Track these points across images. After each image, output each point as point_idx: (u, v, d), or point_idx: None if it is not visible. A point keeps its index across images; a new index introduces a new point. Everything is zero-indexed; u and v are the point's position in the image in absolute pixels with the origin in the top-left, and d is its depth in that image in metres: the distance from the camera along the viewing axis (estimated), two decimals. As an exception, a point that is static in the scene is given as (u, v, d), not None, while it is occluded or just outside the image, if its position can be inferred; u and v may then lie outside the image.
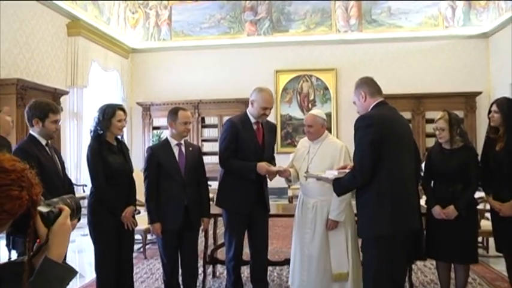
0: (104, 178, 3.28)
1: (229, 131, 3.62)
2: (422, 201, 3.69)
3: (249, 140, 3.60)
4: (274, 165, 3.70)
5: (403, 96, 10.34)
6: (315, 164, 3.55)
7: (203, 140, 10.77)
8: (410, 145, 2.84)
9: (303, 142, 3.74)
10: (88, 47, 9.07)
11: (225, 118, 9.24)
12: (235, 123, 3.64)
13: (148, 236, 5.72)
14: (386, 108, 2.84)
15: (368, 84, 2.89)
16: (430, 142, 9.71)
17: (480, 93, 10.51)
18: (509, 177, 3.31)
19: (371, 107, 2.83)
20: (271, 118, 10.31)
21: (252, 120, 3.66)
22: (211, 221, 4.62)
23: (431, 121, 9.20)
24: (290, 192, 7.76)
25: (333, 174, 2.94)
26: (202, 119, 10.96)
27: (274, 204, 5.68)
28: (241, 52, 11.13)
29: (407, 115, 10.43)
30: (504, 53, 10.05)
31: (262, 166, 3.50)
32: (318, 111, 3.75)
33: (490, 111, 3.48)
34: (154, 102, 10.97)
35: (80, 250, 5.98)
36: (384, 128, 2.67)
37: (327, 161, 3.49)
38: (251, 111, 3.65)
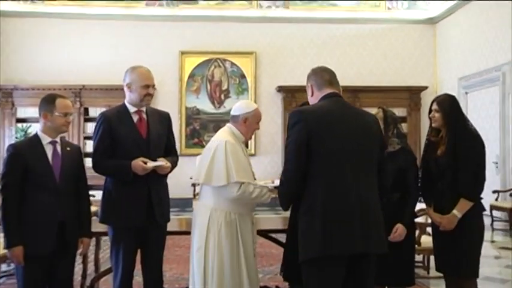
0: None
1: (100, 127, 3.63)
2: None
3: (128, 135, 3.61)
4: (176, 161, 3.77)
5: (337, 89, 10.75)
6: (255, 169, 3.79)
7: (86, 138, 10.55)
8: (368, 149, 2.86)
9: (235, 142, 3.66)
10: None
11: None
12: (108, 116, 3.65)
13: (3, 267, 5.45)
14: (332, 101, 2.91)
15: (316, 75, 3.00)
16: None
17: (426, 88, 11.27)
18: (450, 185, 3.59)
19: (318, 101, 2.95)
20: (174, 111, 10.30)
21: (131, 110, 3.68)
22: (93, 241, 4.53)
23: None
24: (195, 204, 7.74)
25: (277, 182, 3.15)
26: (86, 110, 10.73)
27: (176, 219, 5.68)
28: (137, 26, 11.01)
29: (340, 112, 10.87)
30: (453, 42, 10.84)
31: (137, 164, 3.50)
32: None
33: (430, 110, 3.74)
34: (19, 85, 10.52)
35: None
36: (315, 124, 2.75)
37: None
38: (130, 99, 3.69)
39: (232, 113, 3.73)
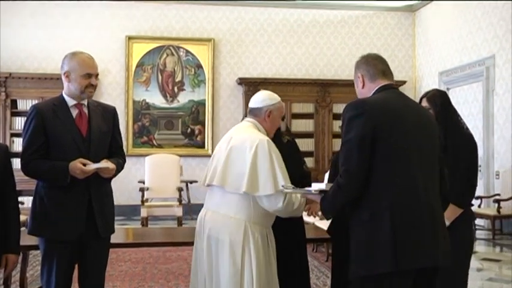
0: None
1: (32, 122, 3.52)
2: None
3: (65, 132, 3.52)
4: (122, 164, 3.71)
5: (304, 82, 10.83)
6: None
7: (13, 135, 10.37)
8: (431, 149, 2.90)
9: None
10: None
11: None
12: (42, 109, 3.55)
13: None
14: (391, 93, 2.95)
15: (368, 64, 3.02)
16: (339, 144, 10.31)
17: (404, 82, 11.44)
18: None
19: (371, 93, 2.96)
20: (120, 105, 10.20)
21: (70, 103, 3.61)
22: (20, 258, 4.42)
23: (340, 116, 9.74)
24: (144, 212, 7.72)
25: (318, 186, 3.04)
26: (13, 103, 10.51)
27: (121, 229, 5.63)
28: (77, 6, 10.82)
29: (309, 107, 10.99)
30: (433, 32, 11.03)
31: (76, 166, 3.41)
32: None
33: (420, 110, 3.80)
34: None
35: None
36: (381, 117, 2.74)
37: None
38: (69, 90, 3.61)
39: (252, 105, 3.60)
